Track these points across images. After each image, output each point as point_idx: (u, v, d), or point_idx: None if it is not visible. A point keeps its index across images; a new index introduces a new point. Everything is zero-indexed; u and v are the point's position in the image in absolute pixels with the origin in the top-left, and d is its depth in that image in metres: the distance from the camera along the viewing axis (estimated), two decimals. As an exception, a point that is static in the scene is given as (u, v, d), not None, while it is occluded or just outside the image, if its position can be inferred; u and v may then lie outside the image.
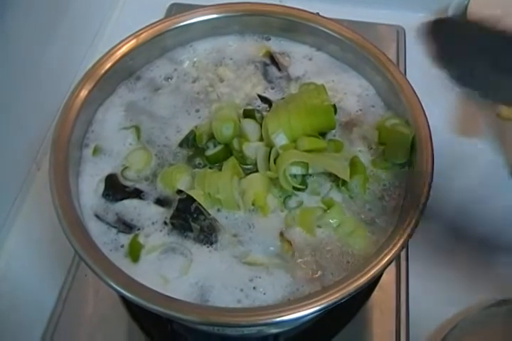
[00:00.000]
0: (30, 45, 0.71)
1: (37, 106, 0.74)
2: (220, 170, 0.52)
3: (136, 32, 0.58)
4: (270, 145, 0.52)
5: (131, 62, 0.58)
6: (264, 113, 0.56)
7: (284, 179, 0.50)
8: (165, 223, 0.51)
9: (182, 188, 0.52)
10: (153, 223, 0.51)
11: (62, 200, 0.48)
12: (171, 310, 0.44)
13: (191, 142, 0.55)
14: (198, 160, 0.54)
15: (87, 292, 0.67)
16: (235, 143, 0.53)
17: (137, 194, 0.53)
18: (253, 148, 0.53)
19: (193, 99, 0.59)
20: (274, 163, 0.51)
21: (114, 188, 0.53)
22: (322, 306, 0.44)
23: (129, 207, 0.52)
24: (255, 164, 0.52)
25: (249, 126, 0.54)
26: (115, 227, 0.51)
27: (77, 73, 0.72)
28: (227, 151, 0.54)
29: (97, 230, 0.50)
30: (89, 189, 0.53)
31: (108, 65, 0.56)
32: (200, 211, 0.50)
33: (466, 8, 0.76)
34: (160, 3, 0.90)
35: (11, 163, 0.71)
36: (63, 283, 0.67)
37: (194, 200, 0.50)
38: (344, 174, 0.50)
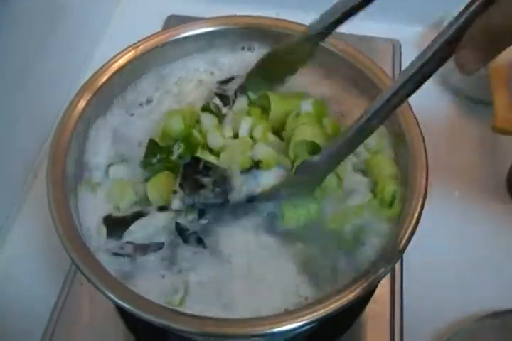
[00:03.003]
0: (27, 53, 0.71)
1: (34, 115, 0.74)
2: None
3: (135, 43, 0.58)
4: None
5: (129, 73, 0.58)
6: (224, 109, 0.56)
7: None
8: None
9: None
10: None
11: (60, 211, 0.48)
12: (165, 319, 0.44)
13: (154, 151, 0.53)
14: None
15: (83, 301, 0.66)
16: (198, 136, 0.53)
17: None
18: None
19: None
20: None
21: (115, 225, 0.52)
22: (316, 318, 0.43)
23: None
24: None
25: (207, 120, 0.54)
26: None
27: (75, 83, 0.73)
28: (191, 152, 0.53)
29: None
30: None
31: (107, 76, 0.56)
32: (209, 167, 0.50)
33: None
34: (158, 14, 0.91)
35: (7, 172, 0.71)
36: (59, 292, 0.66)
37: (200, 160, 0.50)
38: None
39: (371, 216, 0.50)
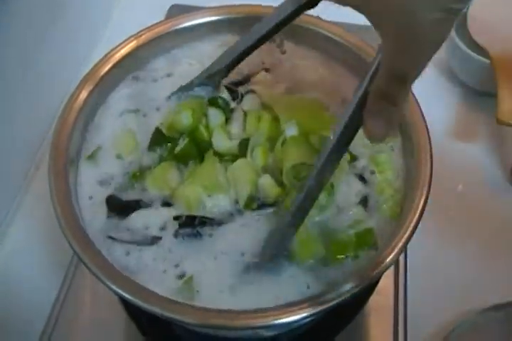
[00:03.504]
0: (27, 44, 0.71)
1: (35, 107, 0.74)
2: None
3: (137, 33, 0.58)
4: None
5: (131, 64, 0.58)
6: (232, 103, 0.56)
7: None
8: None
9: (173, 184, 0.51)
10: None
11: (61, 201, 0.48)
12: (169, 311, 0.43)
13: (160, 140, 0.54)
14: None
15: (85, 293, 0.66)
16: (203, 132, 0.53)
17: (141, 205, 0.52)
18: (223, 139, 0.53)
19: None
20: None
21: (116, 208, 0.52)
22: (318, 309, 0.43)
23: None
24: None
25: (214, 117, 0.54)
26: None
27: (76, 74, 0.73)
28: (195, 146, 0.53)
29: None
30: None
31: (108, 67, 0.55)
32: (205, 221, 0.50)
33: (465, 15, 0.76)
34: (160, 4, 0.90)
35: (8, 164, 0.71)
36: (61, 284, 0.66)
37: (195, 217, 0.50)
38: None
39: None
